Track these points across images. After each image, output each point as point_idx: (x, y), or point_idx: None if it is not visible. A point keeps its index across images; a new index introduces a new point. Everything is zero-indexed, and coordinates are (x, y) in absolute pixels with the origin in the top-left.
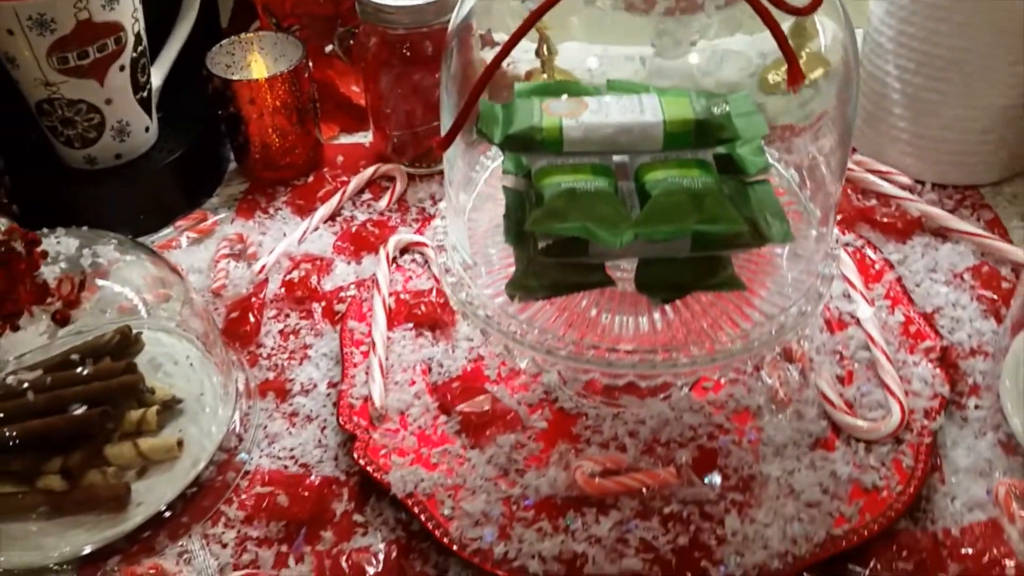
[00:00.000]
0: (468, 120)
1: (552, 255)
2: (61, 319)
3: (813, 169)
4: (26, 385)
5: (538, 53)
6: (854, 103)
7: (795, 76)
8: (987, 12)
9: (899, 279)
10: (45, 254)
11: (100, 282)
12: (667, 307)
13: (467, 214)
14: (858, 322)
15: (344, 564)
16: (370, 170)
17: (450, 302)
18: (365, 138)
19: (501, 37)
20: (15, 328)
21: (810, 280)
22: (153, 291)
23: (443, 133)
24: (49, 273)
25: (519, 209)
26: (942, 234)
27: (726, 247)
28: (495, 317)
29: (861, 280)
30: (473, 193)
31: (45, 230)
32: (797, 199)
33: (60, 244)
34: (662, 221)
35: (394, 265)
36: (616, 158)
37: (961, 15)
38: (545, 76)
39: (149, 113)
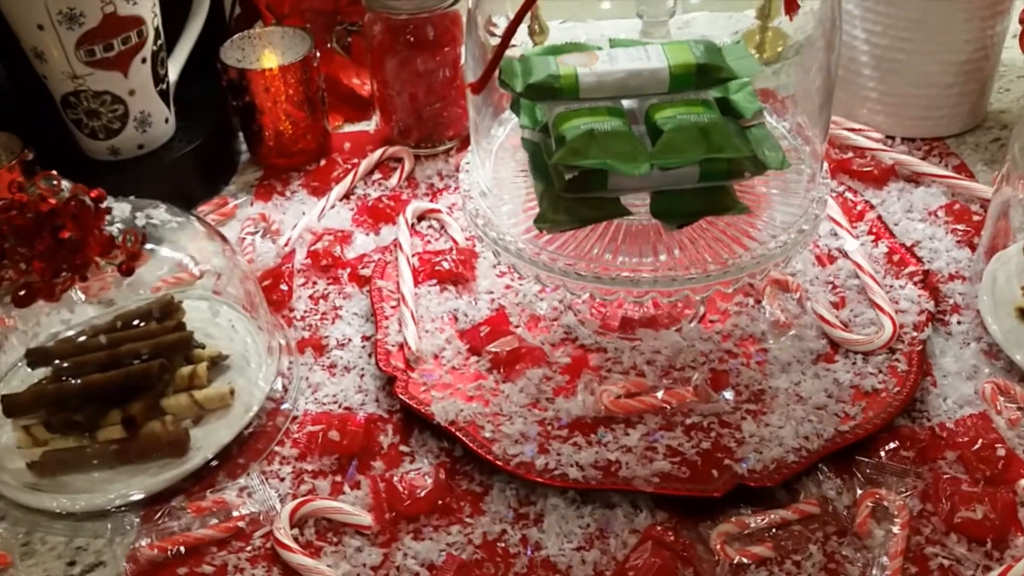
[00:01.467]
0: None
1: (575, 190)
2: (127, 270)
3: (798, 114)
4: (90, 338)
5: (530, 31)
6: (838, 46)
7: (791, 3)
8: None
9: (879, 217)
10: (109, 210)
11: (150, 246)
12: (680, 240)
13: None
14: (846, 255)
15: (399, 485)
16: (379, 152)
17: (482, 243)
18: (369, 126)
19: (501, 22)
20: (84, 278)
21: (806, 205)
22: (200, 256)
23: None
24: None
25: (539, 156)
26: (915, 179)
27: (730, 176)
28: (526, 250)
29: (846, 219)
30: (492, 151)
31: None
32: (788, 140)
33: (115, 209)
34: (675, 152)
35: (413, 231)
36: (626, 104)
37: None
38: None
39: (168, 105)
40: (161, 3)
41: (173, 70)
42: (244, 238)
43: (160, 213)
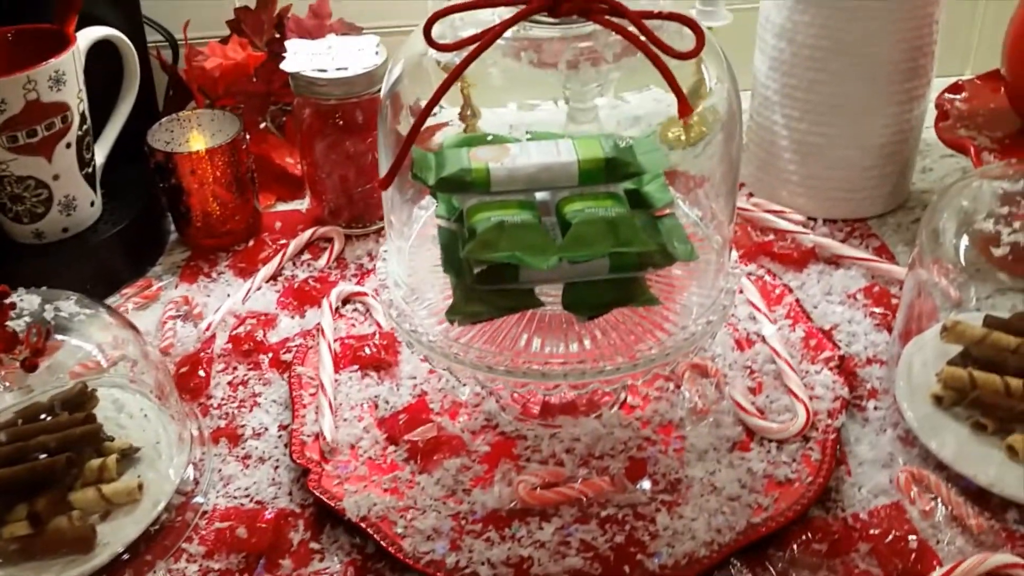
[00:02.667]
0: (403, 170)
1: (486, 282)
2: (30, 366)
3: (709, 200)
4: None
5: (461, 116)
6: (739, 135)
7: (684, 109)
8: (858, 62)
9: (798, 300)
10: (13, 305)
11: (61, 337)
12: (593, 331)
13: (406, 255)
14: (763, 339)
15: None
16: (308, 232)
17: (396, 334)
18: (301, 205)
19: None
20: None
21: (714, 296)
22: (111, 346)
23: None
24: (14, 327)
25: (453, 246)
26: (835, 261)
27: (640, 268)
28: (438, 342)
29: (764, 303)
30: (410, 238)
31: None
32: (699, 229)
33: (23, 301)
34: (582, 245)
35: (337, 314)
36: (538, 196)
37: (836, 64)
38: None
39: (94, 188)
40: (91, 87)
41: (101, 153)
42: (165, 322)
43: (70, 305)
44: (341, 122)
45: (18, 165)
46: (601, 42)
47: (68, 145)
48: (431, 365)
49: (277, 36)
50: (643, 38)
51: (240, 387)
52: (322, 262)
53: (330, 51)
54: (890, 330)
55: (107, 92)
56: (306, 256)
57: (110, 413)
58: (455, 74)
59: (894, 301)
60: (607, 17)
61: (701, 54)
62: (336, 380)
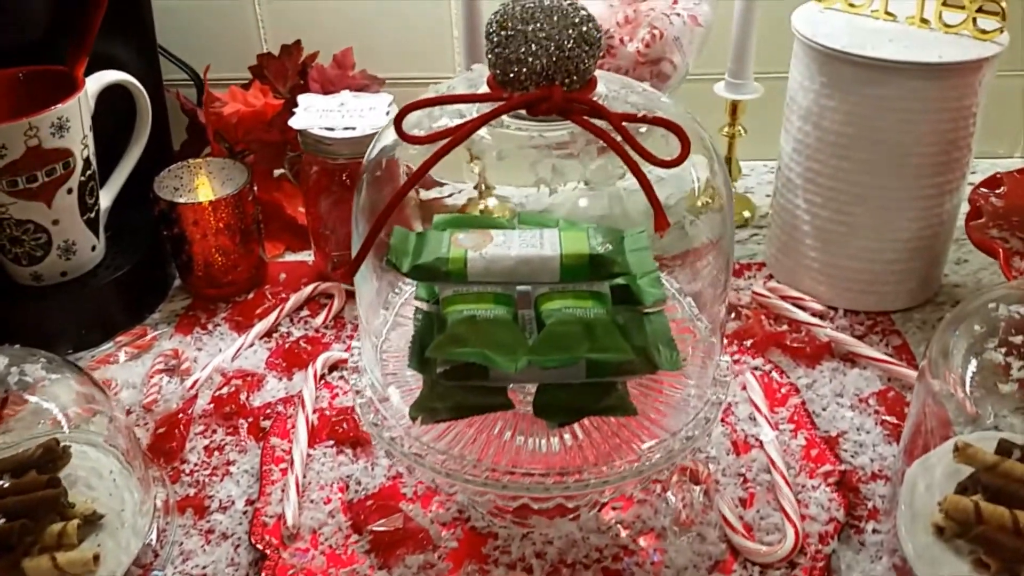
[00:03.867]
0: (382, 248)
1: (452, 379)
2: None
3: (703, 299)
4: None
5: (477, 189)
6: (730, 239)
7: (660, 223)
8: (886, 152)
9: (803, 403)
10: None
11: (28, 397)
12: (574, 427)
13: (385, 334)
14: (761, 445)
15: None
16: (309, 288)
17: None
18: (308, 256)
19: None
20: None
21: (702, 405)
22: (80, 408)
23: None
24: None
25: (428, 332)
26: (850, 359)
27: (619, 374)
28: (399, 440)
29: (767, 404)
30: (392, 313)
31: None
32: (694, 326)
33: None
34: (555, 349)
35: (322, 382)
36: (521, 287)
37: (862, 153)
38: (482, 207)
39: (96, 232)
40: (104, 126)
41: (107, 196)
42: (152, 376)
43: (36, 370)
44: (347, 180)
45: (17, 209)
46: (579, 144)
47: (69, 191)
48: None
49: (301, 83)
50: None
51: (215, 453)
52: (320, 320)
53: (341, 108)
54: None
55: (120, 132)
56: (305, 312)
57: (81, 473)
58: (420, 173)
59: (907, 410)
60: (587, 118)
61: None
62: (309, 455)
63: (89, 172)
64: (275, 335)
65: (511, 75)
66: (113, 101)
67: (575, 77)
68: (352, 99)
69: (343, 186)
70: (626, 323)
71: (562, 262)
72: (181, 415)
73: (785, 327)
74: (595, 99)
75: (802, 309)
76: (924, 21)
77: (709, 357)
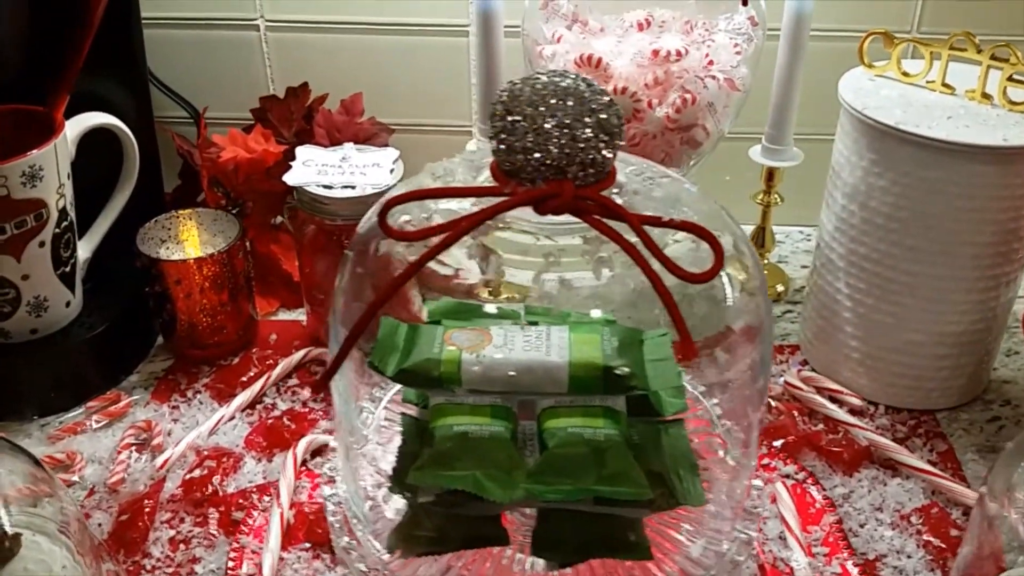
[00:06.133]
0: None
1: (440, 503)
2: None
3: (732, 404)
4: None
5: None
6: (766, 353)
7: (688, 350)
8: (939, 239)
9: (839, 522)
10: None
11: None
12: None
13: (369, 436)
14: (792, 573)
15: None
16: (299, 354)
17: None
18: (304, 316)
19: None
20: None
21: (726, 543)
22: (30, 489)
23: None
24: None
25: (414, 445)
26: (891, 466)
27: (633, 506)
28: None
29: (799, 522)
30: (379, 407)
31: None
32: (716, 434)
33: None
34: (558, 476)
35: (303, 469)
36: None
37: (913, 239)
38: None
39: (71, 287)
40: (87, 169)
41: (86, 248)
42: (120, 451)
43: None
44: (346, 241)
45: None
46: (592, 248)
47: (42, 244)
48: None
49: (305, 126)
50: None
51: (181, 547)
52: (307, 393)
53: (343, 163)
54: (945, 572)
55: (105, 174)
56: (294, 381)
57: (30, 565)
58: (411, 271)
59: (953, 533)
60: (602, 219)
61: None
62: (282, 559)
63: (65, 223)
64: (259, 406)
65: (516, 166)
66: (97, 141)
67: (590, 170)
68: (355, 153)
69: (340, 247)
70: (642, 442)
71: (570, 371)
72: (147, 500)
73: (820, 426)
74: (613, 195)
75: (839, 404)
76: (986, 96)
77: (736, 479)
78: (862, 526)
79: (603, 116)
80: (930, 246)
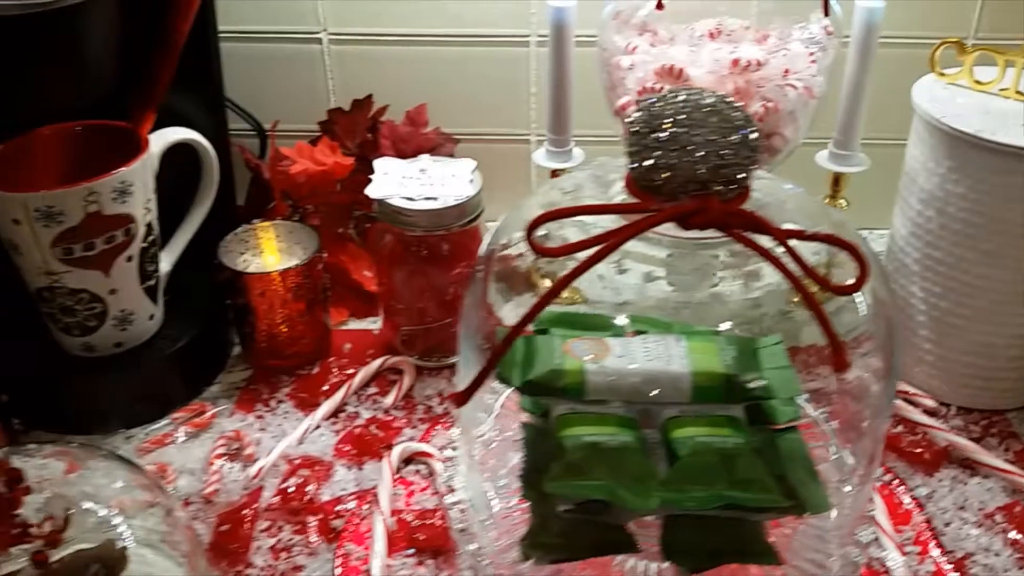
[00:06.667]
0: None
1: (570, 510)
2: (40, 560)
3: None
4: None
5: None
6: (896, 362)
7: (840, 362)
8: (1013, 242)
9: (928, 521)
10: (28, 490)
11: (85, 505)
12: None
13: (490, 440)
14: (889, 573)
15: None
16: (377, 362)
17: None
18: (374, 324)
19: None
20: None
21: (844, 546)
22: (133, 500)
23: (460, 376)
24: (31, 501)
25: (540, 447)
26: (969, 465)
27: (755, 511)
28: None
29: (890, 523)
30: (491, 415)
31: (32, 447)
32: (826, 442)
33: (45, 468)
34: (691, 483)
35: (397, 477)
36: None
37: (989, 244)
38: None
39: (155, 300)
40: (162, 183)
41: (167, 261)
42: (213, 461)
43: (96, 476)
44: (425, 252)
45: (72, 278)
46: (739, 262)
47: (129, 259)
48: None
49: (369, 137)
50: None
51: (283, 555)
52: (389, 399)
53: (421, 175)
54: None
55: (180, 189)
56: (373, 389)
57: None
58: (558, 288)
59: None
60: (745, 233)
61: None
62: (389, 566)
63: (151, 238)
64: (341, 415)
65: (659, 182)
66: (173, 156)
67: (732, 186)
68: (432, 164)
69: (419, 258)
70: (760, 447)
71: (693, 381)
72: (246, 510)
73: (900, 428)
74: (754, 210)
75: (913, 406)
76: None
77: (861, 486)
78: (947, 525)
79: (745, 132)
80: (1005, 250)
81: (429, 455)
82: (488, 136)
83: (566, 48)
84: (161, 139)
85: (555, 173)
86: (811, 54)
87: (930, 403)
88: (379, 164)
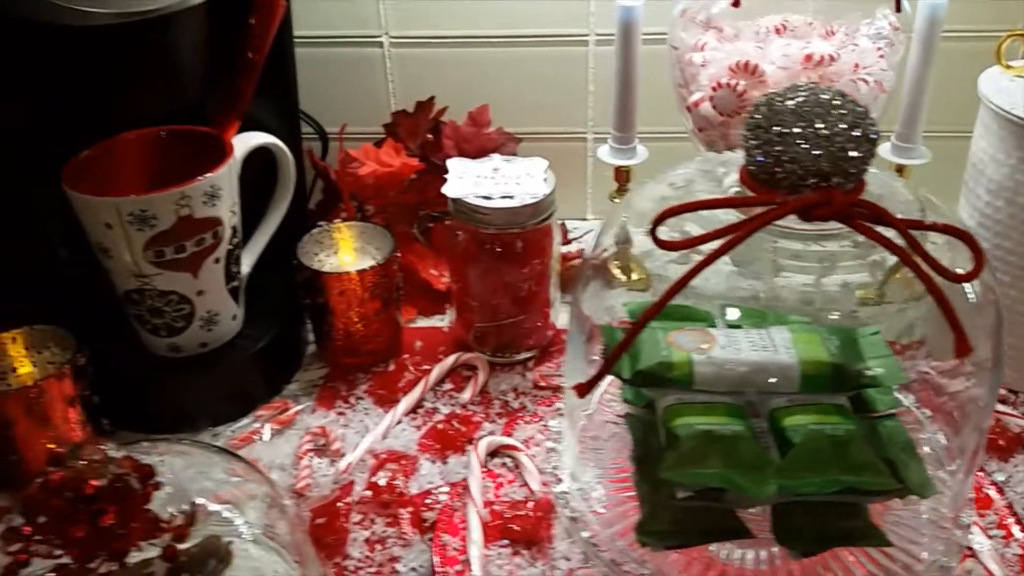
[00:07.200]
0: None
1: (697, 501)
2: (170, 555)
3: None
4: None
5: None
6: (1003, 351)
7: (962, 348)
8: None
9: (1009, 505)
10: (158, 485)
11: (199, 500)
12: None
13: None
14: (975, 554)
15: None
16: (452, 358)
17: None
18: (442, 321)
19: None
20: (123, 565)
21: (946, 529)
22: (243, 499)
23: (568, 368)
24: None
25: (645, 440)
26: None
27: (866, 495)
28: (624, 565)
29: (974, 507)
30: (590, 406)
31: (145, 445)
32: (922, 429)
33: (164, 464)
34: (806, 469)
35: (485, 469)
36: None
37: None
38: (618, 264)
39: (237, 301)
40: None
41: (247, 263)
42: (301, 457)
43: (216, 472)
44: (499, 249)
45: (162, 280)
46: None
47: (216, 260)
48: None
49: (429, 138)
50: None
51: (377, 547)
52: (466, 395)
53: (495, 174)
54: None
55: (255, 194)
56: (448, 385)
57: (243, 575)
58: (685, 280)
59: None
60: (868, 224)
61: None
62: (485, 556)
63: (236, 240)
64: (420, 411)
65: (779, 175)
66: (245, 160)
67: (852, 179)
68: (504, 164)
69: (494, 255)
70: (868, 435)
71: (801, 370)
72: (339, 503)
73: None
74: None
75: None
76: None
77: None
78: None
79: (865, 126)
80: None
81: (515, 448)
82: (543, 134)
83: (634, 47)
84: (243, 144)
85: (618, 170)
86: (879, 49)
87: (1002, 391)
88: (453, 164)
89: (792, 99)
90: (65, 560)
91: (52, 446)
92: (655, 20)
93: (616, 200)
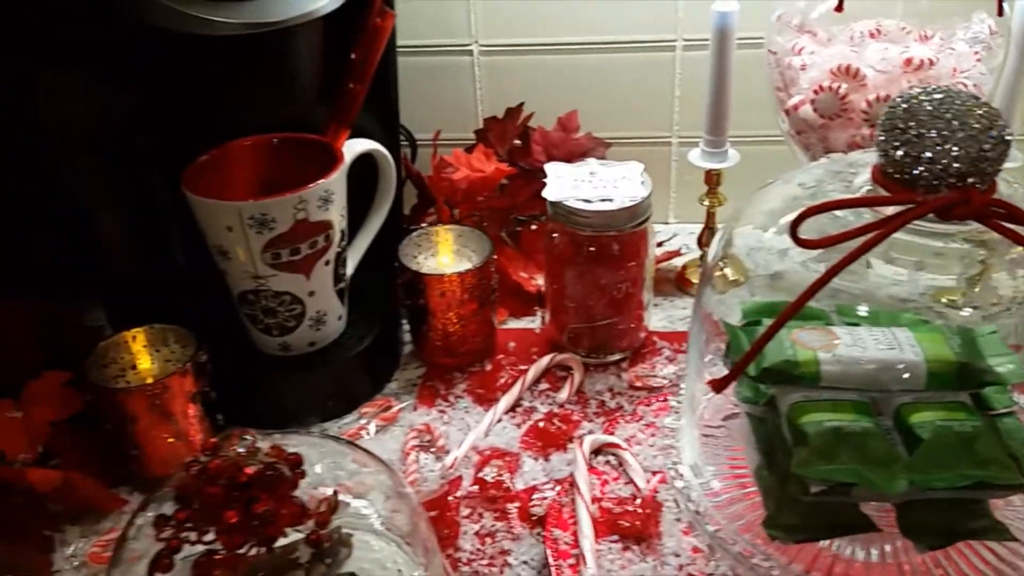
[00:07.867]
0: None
1: (830, 496)
2: (316, 539)
3: None
4: None
5: (700, 241)
6: None
7: None
8: None
9: None
10: (304, 473)
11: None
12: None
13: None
14: None
15: None
16: (547, 359)
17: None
18: (532, 323)
19: None
20: (271, 551)
21: None
22: (354, 484)
23: (689, 366)
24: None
25: (768, 436)
26: None
27: (992, 490)
28: (751, 556)
29: None
30: (704, 404)
31: (277, 436)
32: None
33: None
34: (935, 465)
35: (590, 466)
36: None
37: None
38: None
39: (343, 302)
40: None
41: (350, 266)
42: (408, 453)
43: (347, 462)
44: (594, 250)
45: (277, 281)
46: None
47: (327, 262)
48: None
49: (518, 143)
50: None
51: (488, 540)
52: (563, 395)
53: (592, 177)
54: None
55: (354, 199)
56: (544, 385)
57: (365, 565)
58: (827, 277)
59: None
60: (1005, 224)
61: None
62: (596, 551)
63: (344, 243)
64: (519, 409)
65: (916, 175)
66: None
67: (988, 179)
68: (600, 168)
69: (589, 257)
70: (991, 432)
71: (927, 368)
72: (450, 497)
73: None
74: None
75: None
76: None
77: None
78: None
79: (999, 127)
80: None
81: (618, 446)
82: (628, 139)
83: (728, 51)
84: (350, 150)
85: (709, 174)
86: (976, 53)
87: None
88: (551, 168)
89: (929, 100)
90: (215, 545)
91: (172, 440)
92: (744, 25)
93: (705, 203)
